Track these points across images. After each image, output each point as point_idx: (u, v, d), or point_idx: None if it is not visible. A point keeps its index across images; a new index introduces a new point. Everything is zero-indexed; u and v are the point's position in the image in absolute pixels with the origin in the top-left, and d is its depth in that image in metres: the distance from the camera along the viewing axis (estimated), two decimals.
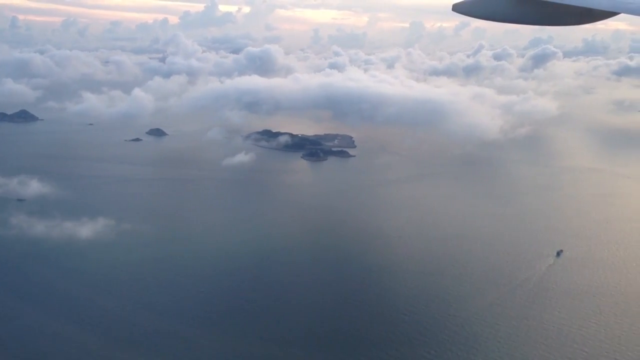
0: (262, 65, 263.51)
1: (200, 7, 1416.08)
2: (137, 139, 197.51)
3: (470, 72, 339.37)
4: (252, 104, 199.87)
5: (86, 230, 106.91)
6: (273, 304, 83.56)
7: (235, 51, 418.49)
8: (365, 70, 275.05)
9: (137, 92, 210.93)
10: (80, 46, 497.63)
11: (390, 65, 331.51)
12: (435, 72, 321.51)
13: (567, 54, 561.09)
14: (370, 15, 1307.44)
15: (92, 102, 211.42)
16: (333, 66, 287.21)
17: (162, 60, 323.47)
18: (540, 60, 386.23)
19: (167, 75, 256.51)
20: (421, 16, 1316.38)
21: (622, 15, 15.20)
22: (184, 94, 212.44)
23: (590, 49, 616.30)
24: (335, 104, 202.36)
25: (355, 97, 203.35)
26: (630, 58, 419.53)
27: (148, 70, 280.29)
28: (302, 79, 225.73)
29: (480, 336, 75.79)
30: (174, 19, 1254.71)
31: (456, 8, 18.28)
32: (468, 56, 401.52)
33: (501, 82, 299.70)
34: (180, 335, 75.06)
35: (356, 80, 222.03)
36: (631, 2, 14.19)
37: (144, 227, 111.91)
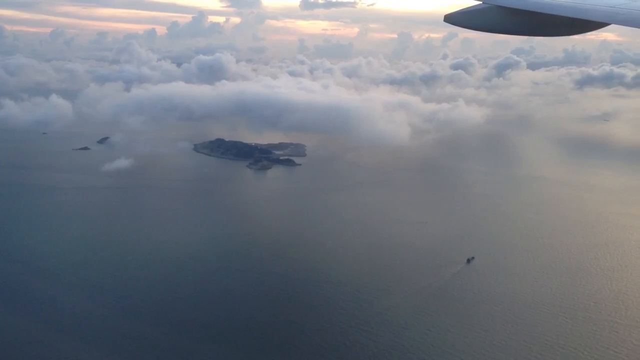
0: (213, 74, 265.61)
1: (189, 17, 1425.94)
2: (85, 148, 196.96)
3: (427, 81, 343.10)
4: (166, 110, 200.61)
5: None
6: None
7: None
8: (319, 79, 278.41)
9: (54, 98, 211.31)
10: (64, 56, 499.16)
11: (350, 73, 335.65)
12: (394, 81, 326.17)
13: (546, 64, 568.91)
14: (361, 26, 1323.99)
15: (10, 109, 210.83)
16: (290, 74, 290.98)
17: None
18: (502, 69, 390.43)
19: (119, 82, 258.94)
20: (412, 27, 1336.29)
21: (612, 25, 15.30)
22: (105, 100, 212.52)
23: (571, 59, 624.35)
24: (246, 111, 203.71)
25: (260, 104, 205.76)
26: (595, 68, 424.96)
27: (98, 78, 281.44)
28: (228, 86, 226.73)
29: (358, 344, 75.44)
30: (163, 29, 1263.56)
31: (448, 19, 18.34)
32: (429, 65, 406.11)
33: (451, 90, 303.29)
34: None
35: (270, 87, 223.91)
36: (621, 13, 14.25)
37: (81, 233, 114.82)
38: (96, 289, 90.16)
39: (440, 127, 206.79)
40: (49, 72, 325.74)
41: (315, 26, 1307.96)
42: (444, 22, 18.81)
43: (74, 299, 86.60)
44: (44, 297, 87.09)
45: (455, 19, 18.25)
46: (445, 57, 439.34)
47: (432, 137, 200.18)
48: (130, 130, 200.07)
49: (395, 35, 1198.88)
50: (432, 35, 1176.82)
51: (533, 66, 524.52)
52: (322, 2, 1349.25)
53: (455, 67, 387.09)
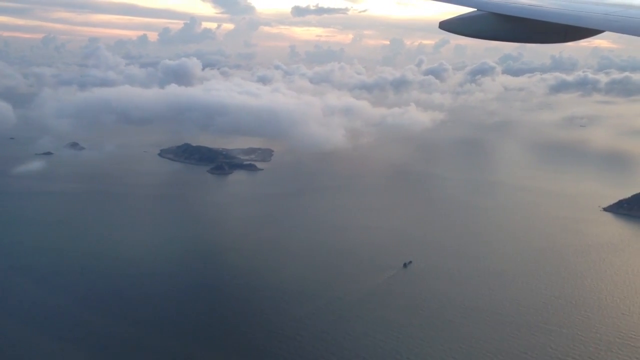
0: (178, 78, 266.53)
1: (183, 24, 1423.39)
2: (49, 153, 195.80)
3: (398, 86, 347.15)
4: (103, 114, 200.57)
5: None
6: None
7: (205, 67, 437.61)
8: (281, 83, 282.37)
9: None
10: (51, 62, 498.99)
11: (323, 78, 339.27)
12: (364, 86, 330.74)
13: (532, 70, 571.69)
14: (355, 33, 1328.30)
15: None
16: (260, 79, 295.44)
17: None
18: (477, 75, 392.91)
19: (81, 86, 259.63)
20: (406, 34, 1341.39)
21: (605, 33, 15.36)
22: (49, 104, 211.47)
23: (558, 66, 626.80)
24: (179, 114, 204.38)
25: (193, 107, 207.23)
26: (569, 74, 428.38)
27: (62, 82, 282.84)
28: (171, 90, 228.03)
29: (268, 350, 74.90)
30: (155, 35, 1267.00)
31: (443, 26, 18.34)
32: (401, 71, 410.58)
33: (417, 95, 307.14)
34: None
35: (208, 90, 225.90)
36: (615, 21, 14.29)
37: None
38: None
39: (383, 130, 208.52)
40: (17, 77, 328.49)
41: (309, 33, 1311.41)
42: (439, 29, 18.83)
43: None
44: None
45: (451, 25, 18.27)
46: (420, 63, 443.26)
47: (367, 140, 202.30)
48: (61, 133, 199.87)
49: (388, 42, 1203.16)
50: (425, 41, 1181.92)
51: (519, 72, 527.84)
52: (314, 8, 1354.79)
53: (429, 72, 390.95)
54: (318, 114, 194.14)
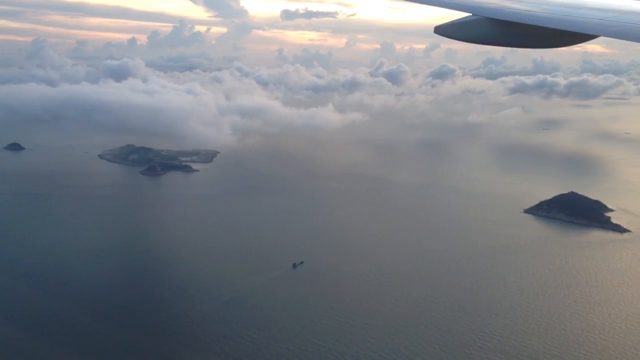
0: (118, 78, 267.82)
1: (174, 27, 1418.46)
2: None
3: (350, 87, 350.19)
4: None
5: None
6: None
7: (186, 69, 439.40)
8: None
9: None
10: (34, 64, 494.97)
11: (279, 80, 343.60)
12: (315, 88, 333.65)
13: (512, 74, 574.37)
14: (349, 37, 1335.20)
15: None
16: (214, 80, 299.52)
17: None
18: (437, 77, 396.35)
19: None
20: (399, 38, 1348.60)
21: (599, 37, 15.62)
22: None
23: (539, 69, 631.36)
24: (61, 111, 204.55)
25: (72, 104, 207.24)
26: (529, 77, 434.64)
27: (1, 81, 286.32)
28: (67, 88, 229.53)
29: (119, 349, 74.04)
30: (144, 38, 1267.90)
31: (438, 31, 18.46)
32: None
33: (359, 97, 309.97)
34: None
35: (104, 87, 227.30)
36: (611, 26, 14.43)
37: None
38: None
39: (289, 131, 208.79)
40: None
41: (302, 37, 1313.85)
42: (433, 33, 18.91)
43: None
44: None
45: (446, 30, 18.31)
46: (381, 65, 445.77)
47: (253, 140, 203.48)
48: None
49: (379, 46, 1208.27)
50: (416, 45, 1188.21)
51: (499, 75, 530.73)
52: (303, 12, 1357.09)
53: (384, 75, 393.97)
54: (211, 113, 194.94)
